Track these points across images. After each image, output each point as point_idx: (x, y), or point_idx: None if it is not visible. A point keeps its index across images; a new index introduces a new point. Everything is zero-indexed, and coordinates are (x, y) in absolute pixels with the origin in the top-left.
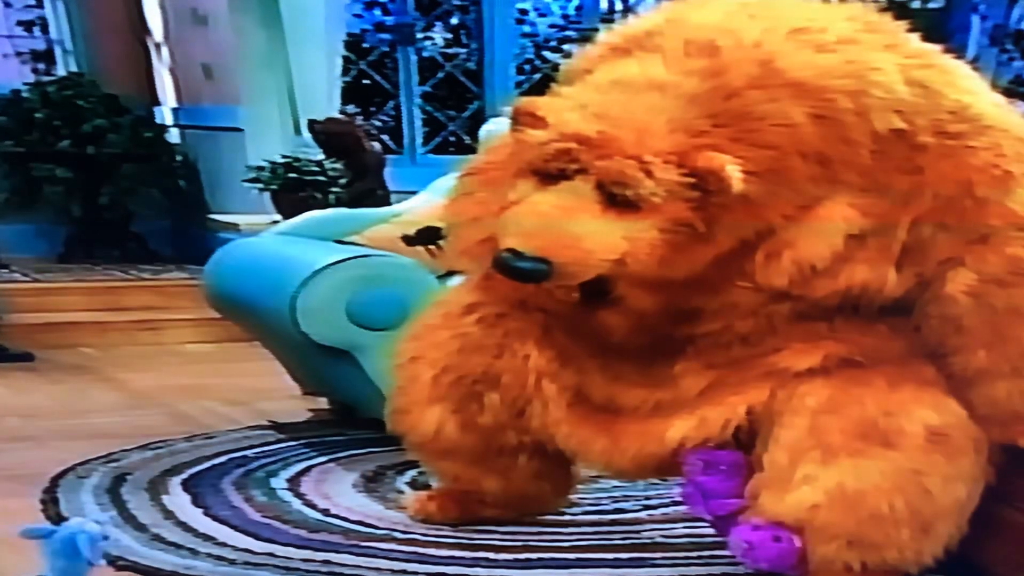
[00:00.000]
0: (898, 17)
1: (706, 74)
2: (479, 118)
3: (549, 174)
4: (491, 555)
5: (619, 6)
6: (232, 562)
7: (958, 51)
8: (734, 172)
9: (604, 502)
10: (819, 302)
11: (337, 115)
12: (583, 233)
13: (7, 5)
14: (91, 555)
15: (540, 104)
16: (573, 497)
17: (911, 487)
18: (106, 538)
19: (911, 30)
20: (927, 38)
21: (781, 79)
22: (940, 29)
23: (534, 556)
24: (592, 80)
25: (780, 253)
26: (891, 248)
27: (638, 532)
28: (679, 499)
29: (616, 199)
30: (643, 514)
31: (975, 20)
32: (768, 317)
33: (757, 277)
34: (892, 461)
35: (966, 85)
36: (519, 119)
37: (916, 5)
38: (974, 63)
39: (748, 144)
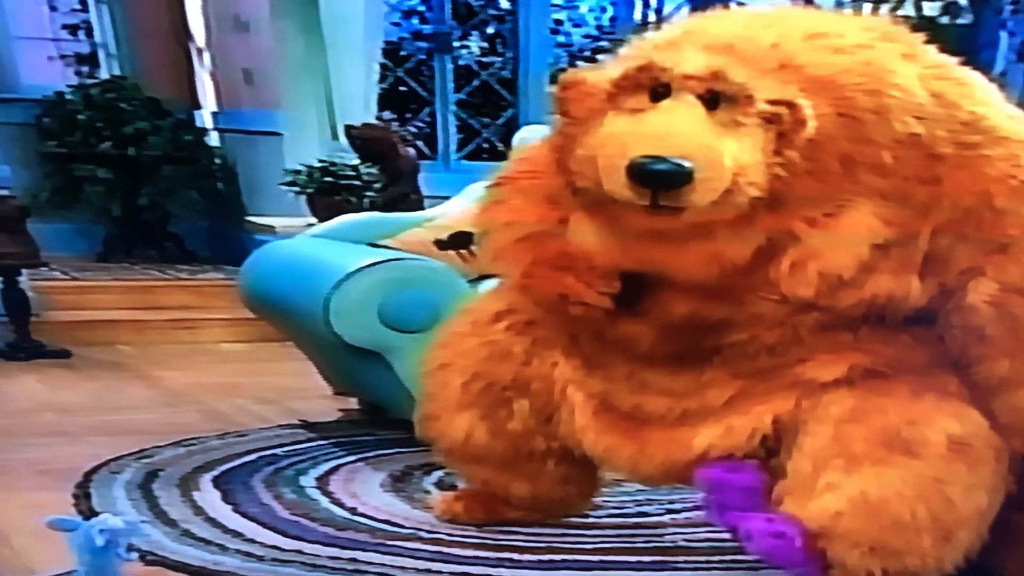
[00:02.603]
0: (927, 32)
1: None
2: (513, 126)
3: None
4: (515, 556)
5: (652, 17)
6: (260, 559)
7: (986, 67)
8: (808, 108)
9: (628, 505)
10: (844, 312)
11: (373, 121)
12: (710, 139)
13: (53, 9)
14: (111, 550)
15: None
16: (597, 500)
17: (933, 496)
18: (135, 534)
19: (935, 44)
20: (955, 54)
21: (800, 75)
22: (968, 45)
23: (557, 558)
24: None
25: (806, 264)
26: (913, 258)
27: (661, 536)
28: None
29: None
30: (666, 518)
31: (1003, 36)
32: (794, 328)
33: (783, 288)
34: (914, 470)
35: (981, 97)
36: (564, 96)
37: (944, 21)
38: (1001, 79)
39: None
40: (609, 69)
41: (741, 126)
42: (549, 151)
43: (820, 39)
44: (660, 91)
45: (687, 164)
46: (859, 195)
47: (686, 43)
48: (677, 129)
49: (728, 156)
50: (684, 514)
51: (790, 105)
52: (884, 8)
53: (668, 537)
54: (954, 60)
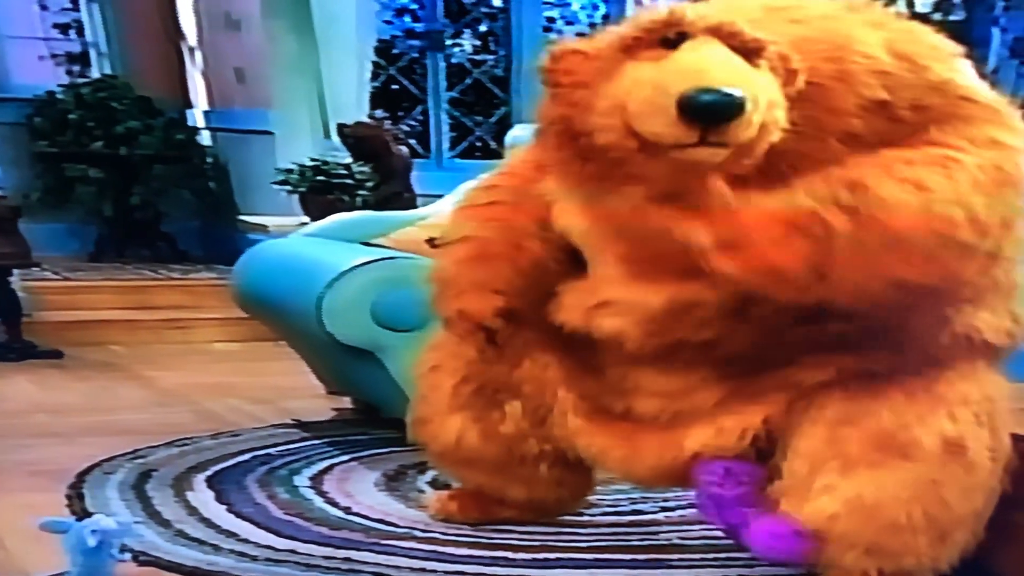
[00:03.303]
0: None
1: None
2: (506, 124)
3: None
4: (510, 554)
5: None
6: (254, 559)
7: (978, 63)
8: (796, 61)
9: (622, 503)
10: (825, 301)
11: (366, 119)
12: (748, 70)
13: (43, 8)
14: (104, 550)
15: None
16: (591, 498)
17: (929, 497)
18: (128, 535)
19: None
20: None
21: None
22: (961, 42)
23: (552, 556)
24: None
25: None
26: None
27: (655, 534)
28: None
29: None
30: (660, 516)
31: (996, 33)
32: (777, 329)
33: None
34: (910, 472)
35: (953, 63)
36: (559, 67)
37: (937, 17)
38: (994, 75)
39: None
40: (599, 38)
41: (759, 69)
42: (526, 161)
43: (779, 11)
44: (675, 40)
45: (738, 93)
46: (830, 163)
47: None
48: (717, 63)
49: (763, 91)
50: (679, 512)
51: (784, 58)
52: (877, 6)
53: (663, 535)
54: (927, 27)
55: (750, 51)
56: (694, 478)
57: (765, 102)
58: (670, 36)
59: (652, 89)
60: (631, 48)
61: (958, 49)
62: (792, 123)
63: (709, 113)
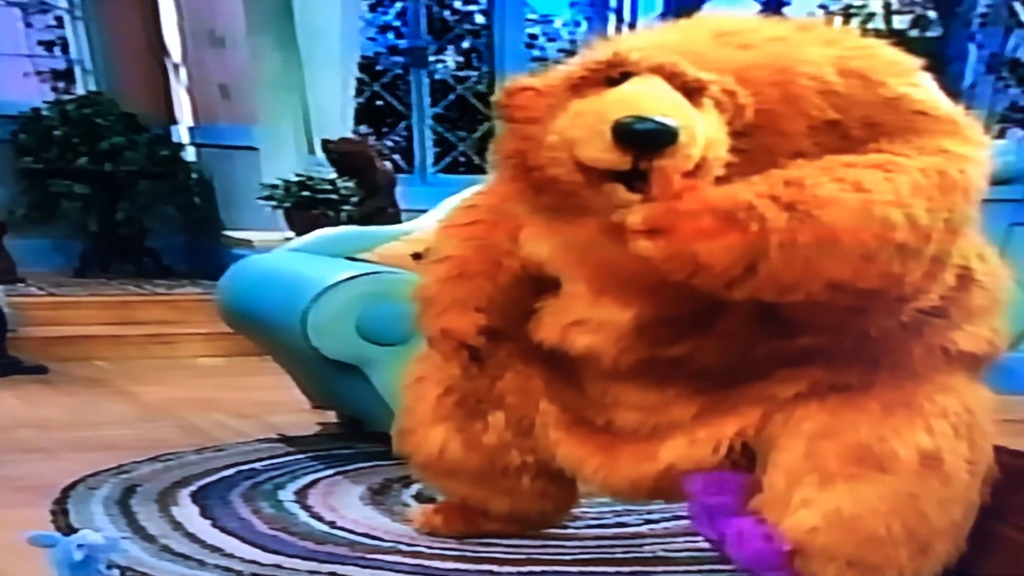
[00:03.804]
0: (896, 45)
1: None
2: (489, 139)
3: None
4: (495, 568)
5: (625, 32)
6: (239, 573)
7: (956, 79)
8: (744, 96)
9: (606, 516)
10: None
11: (350, 135)
12: (685, 105)
13: (28, 25)
14: (91, 565)
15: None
16: (576, 511)
17: (907, 510)
18: (114, 550)
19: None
20: (925, 67)
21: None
22: (938, 58)
23: (537, 569)
24: None
25: None
26: None
27: (640, 546)
28: (680, 514)
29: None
30: (644, 528)
31: (972, 49)
32: (747, 341)
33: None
34: (888, 485)
35: (913, 78)
36: (513, 102)
37: (914, 34)
38: (971, 91)
39: None
40: (551, 74)
41: (701, 107)
42: (491, 198)
43: (728, 37)
44: (619, 80)
45: (671, 122)
46: None
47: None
48: (654, 95)
49: (700, 126)
50: (663, 524)
51: (730, 93)
52: (855, 21)
53: (647, 548)
54: (882, 42)
55: (692, 91)
56: (674, 490)
57: (703, 139)
58: (614, 76)
59: (591, 117)
60: (578, 87)
61: (917, 63)
62: (742, 149)
63: (642, 139)
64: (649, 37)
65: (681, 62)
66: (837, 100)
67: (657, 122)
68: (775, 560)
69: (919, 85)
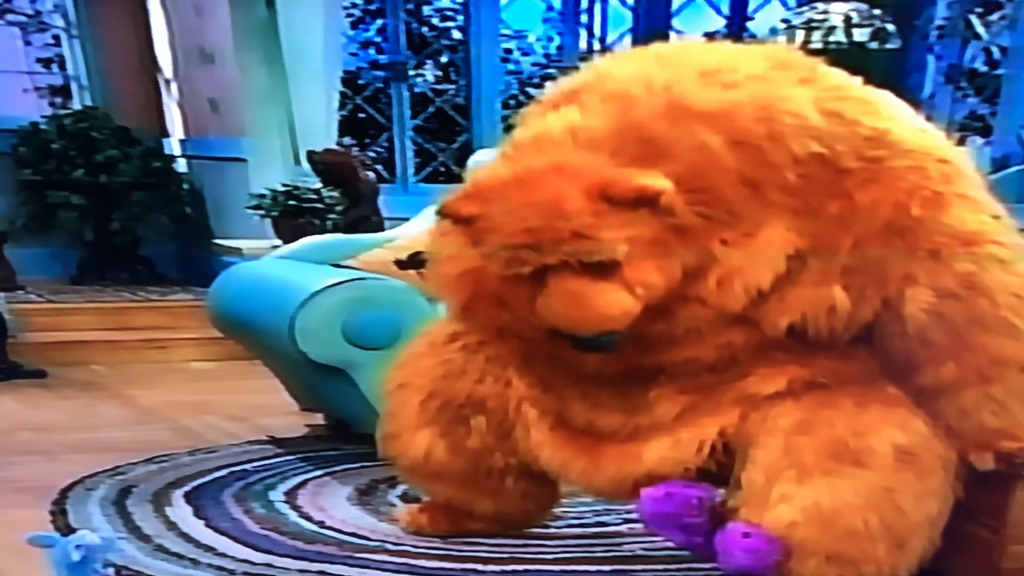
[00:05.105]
0: (856, 57)
1: (615, 115)
2: (467, 149)
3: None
4: (479, 567)
5: (597, 46)
6: (232, 572)
7: (915, 90)
8: (658, 181)
9: (587, 515)
10: (776, 326)
11: (334, 147)
12: (608, 300)
13: (27, 43)
14: (88, 565)
15: (463, 203)
16: (557, 511)
17: (884, 504)
18: (111, 550)
19: (864, 69)
20: (885, 78)
21: (688, 113)
22: (897, 69)
23: (520, 568)
24: (516, 138)
25: (731, 279)
26: (832, 270)
27: (620, 545)
28: None
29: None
30: (624, 528)
31: (931, 60)
32: (729, 346)
33: (711, 303)
34: (864, 480)
35: (886, 113)
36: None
37: (874, 46)
38: (930, 101)
39: (661, 167)
40: None
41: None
42: None
43: (712, 76)
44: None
45: (609, 336)
46: (772, 214)
47: (586, 93)
48: (580, 301)
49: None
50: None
51: (642, 190)
52: (816, 35)
53: (627, 546)
54: (856, 81)
55: (605, 267)
56: (645, 501)
57: (632, 308)
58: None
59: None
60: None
61: (888, 98)
62: (731, 181)
63: (594, 351)
64: (635, 68)
65: (570, 248)
66: (820, 134)
67: (597, 339)
68: (765, 569)
69: (895, 119)
